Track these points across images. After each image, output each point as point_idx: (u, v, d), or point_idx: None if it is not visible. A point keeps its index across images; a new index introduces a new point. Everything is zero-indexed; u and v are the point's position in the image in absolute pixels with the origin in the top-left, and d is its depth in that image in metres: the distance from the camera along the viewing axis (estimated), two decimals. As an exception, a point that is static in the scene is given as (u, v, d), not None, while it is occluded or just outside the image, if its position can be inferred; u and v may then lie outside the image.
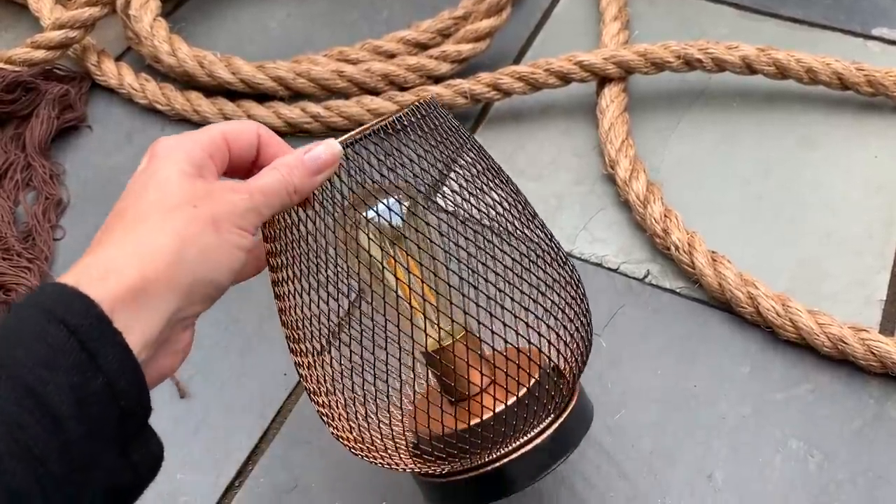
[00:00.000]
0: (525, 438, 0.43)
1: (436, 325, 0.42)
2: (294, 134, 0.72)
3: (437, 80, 0.73)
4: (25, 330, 0.31)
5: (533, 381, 0.43)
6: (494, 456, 0.43)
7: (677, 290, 0.61)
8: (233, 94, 0.73)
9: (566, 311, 0.44)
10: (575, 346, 0.44)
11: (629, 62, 0.70)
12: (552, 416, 0.44)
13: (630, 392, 0.56)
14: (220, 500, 0.53)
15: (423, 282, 0.42)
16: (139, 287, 0.33)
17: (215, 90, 0.74)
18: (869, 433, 0.54)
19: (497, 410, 0.42)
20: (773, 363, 0.57)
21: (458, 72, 0.74)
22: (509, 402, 0.43)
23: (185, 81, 0.75)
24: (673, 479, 0.53)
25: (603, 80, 0.72)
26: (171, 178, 0.36)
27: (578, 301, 0.45)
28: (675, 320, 0.60)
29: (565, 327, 0.44)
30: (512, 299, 0.41)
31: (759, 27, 0.79)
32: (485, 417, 0.43)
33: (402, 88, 0.73)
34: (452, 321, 0.42)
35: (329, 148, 0.39)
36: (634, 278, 0.62)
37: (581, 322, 0.45)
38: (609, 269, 0.63)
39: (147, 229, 0.34)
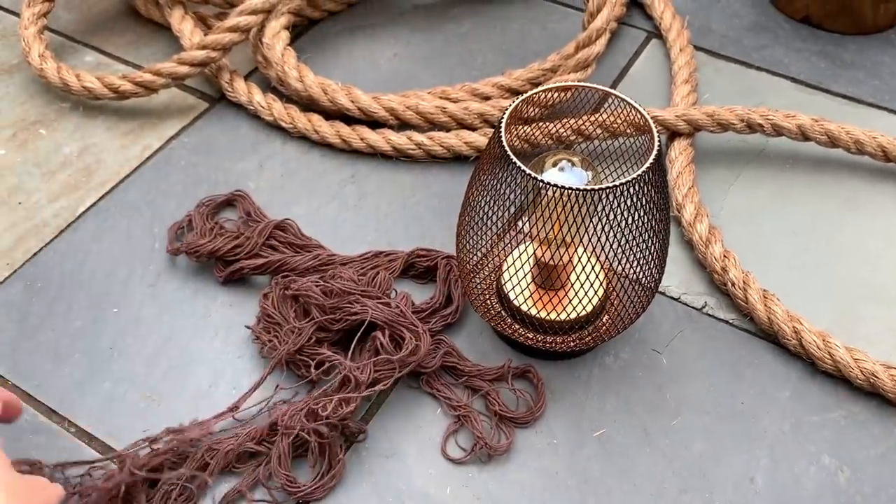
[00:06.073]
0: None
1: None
2: (398, 158, 0.82)
3: (526, 122, 0.83)
4: None
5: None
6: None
7: (730, 321, 0.70)
8: (348, 119, 0.84)
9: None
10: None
11: (698, 120, 0.80)
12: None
13: (685, 403, 0.65)
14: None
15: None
16: None
17: (333, 114, 0.84)
18: (893, 456, 0.62)
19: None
20: (811, 390, 0.66)
21: (544, 116, 0.84)
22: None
23: (307, 104, 0.86)
24: (719, 479, 0.61)
25: (673, 134, 0.81)
26: None
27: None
28: (728, 347, 0.69)
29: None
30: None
31: (812, 100, 0.89)
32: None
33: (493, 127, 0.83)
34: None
35: None
36: (693, 308, 0.71)
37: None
38: (671, 297, 0.72)
39: None
